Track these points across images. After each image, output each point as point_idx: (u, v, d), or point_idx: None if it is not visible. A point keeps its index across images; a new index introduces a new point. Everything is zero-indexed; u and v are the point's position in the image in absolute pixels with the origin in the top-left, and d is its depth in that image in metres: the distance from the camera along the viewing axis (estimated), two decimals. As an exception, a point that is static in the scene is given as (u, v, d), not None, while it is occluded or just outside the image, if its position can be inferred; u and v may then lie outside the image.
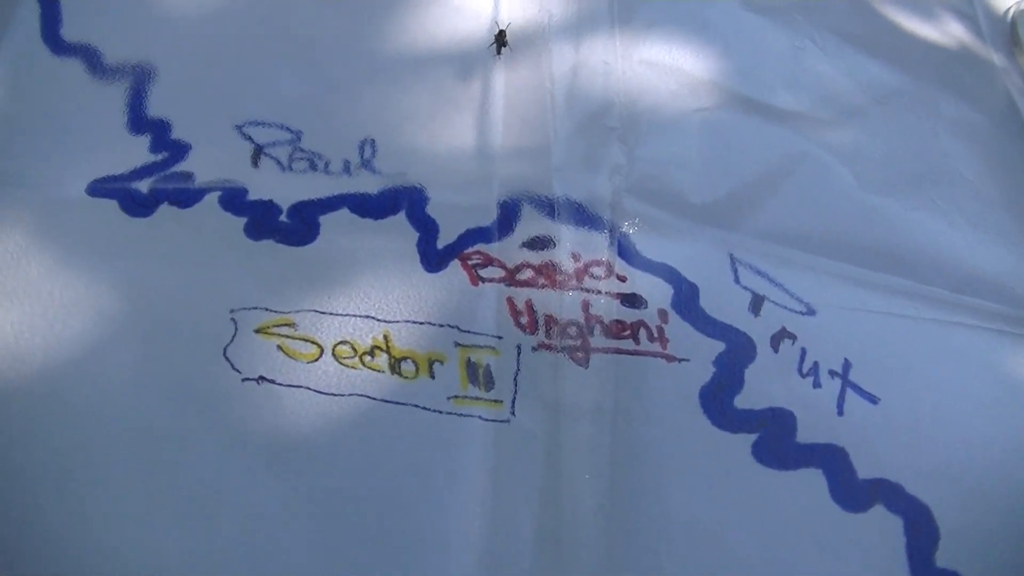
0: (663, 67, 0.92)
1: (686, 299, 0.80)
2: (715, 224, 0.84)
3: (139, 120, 0.87)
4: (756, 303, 0.81)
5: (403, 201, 0.82)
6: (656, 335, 0.79)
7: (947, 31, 1.10)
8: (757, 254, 0.84)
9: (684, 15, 0.96)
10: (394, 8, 0.93)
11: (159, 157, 0.85)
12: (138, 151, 0.85)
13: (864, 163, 0.92)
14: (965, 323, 0.85)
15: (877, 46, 1.02)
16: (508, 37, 0.89)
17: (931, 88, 1.02)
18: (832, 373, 0.80)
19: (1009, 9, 1.16)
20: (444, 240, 0.81)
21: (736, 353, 0.79)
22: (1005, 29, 1.15)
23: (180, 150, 0.85)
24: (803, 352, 0.80)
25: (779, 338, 0.80)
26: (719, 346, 0.79)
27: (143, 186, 0.83)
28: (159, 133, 0.86)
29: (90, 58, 0.89)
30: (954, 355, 0.83)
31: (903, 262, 0.88)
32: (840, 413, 0.79)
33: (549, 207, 0.82)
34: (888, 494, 0.76)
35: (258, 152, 0.86)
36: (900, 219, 0.90)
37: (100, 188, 0.82)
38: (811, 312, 0.82)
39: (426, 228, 0.81)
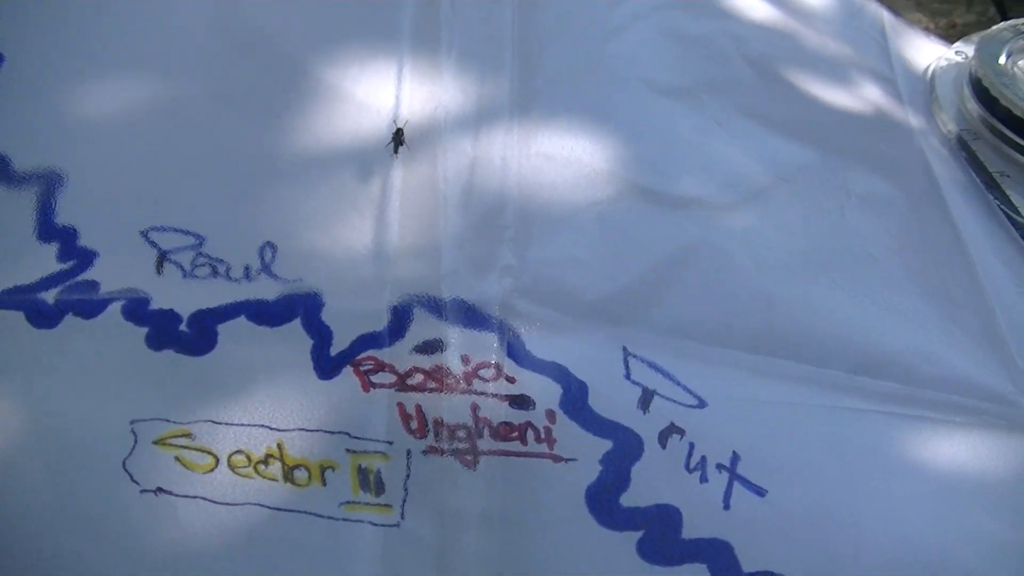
0: (561, 159, 0.95)
1: (574, 398, 0.83)
2: (609, 320, 0.87)
3: (48, 228, 0.91)
4: (646, 399, 0.85)
5: (299, 308, 0.86)
6: (543, 436, 0.82)
7: (864, 96, 1.13)
8: (651, 347, 0.87)
9: (588, 102, 0.99)
10: (298, 105, 0.97)
11: (66, 265, 0.89)
12: (46, 260, 0.89)
13: (764, 247, 0.95)
14: (856, 407, 0.87)
15: (789, 122, 1.05)
16: (406, 135, 0.93)
17: (841, 159, 1.04)
18: (720, 467, 0.83)
19: (929, 66, 1.19)
20: (338, 347, 0.84)
21: (623, 451, 0.82)
22: (925, 88, 1.17)
23: (86, 258, 0.89)
24: (691, 447, 0.83)
25: (667, 434, 0.84)
26: (606, 444, 0.83)
27: (49, 296, 0.87)
28: (66, 241, 0.90)
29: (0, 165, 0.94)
30: (842, 442, 0.86)
31: (800, 346, 0.90)
32: (726, 507, 0.82)
33: (439, 310, 0.85)
34: None
35: (162, 258, 0.90)
36: (799, 302, 0.92)
37: (7, 299, 0.86)
38: (702, 405, 0.85)
39: (320, 335, 0.84)
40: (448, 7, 1.01)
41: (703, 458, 0.83)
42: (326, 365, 0.84)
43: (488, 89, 0.97)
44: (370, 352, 0.84)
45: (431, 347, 0.84)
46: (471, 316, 0.85)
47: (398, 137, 0.92)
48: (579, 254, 0.89)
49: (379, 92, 0.97)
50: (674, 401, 0.85)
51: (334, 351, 0.84)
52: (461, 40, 1.00)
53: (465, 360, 0.84)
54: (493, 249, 0.89)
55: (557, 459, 0.81)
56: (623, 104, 1.00)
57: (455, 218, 0.90)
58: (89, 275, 0.88)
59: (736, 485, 0.83)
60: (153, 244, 0.90)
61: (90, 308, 0.86)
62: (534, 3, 1.04)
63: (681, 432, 0.83)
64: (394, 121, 0.94)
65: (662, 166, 0.96)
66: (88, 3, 1.00)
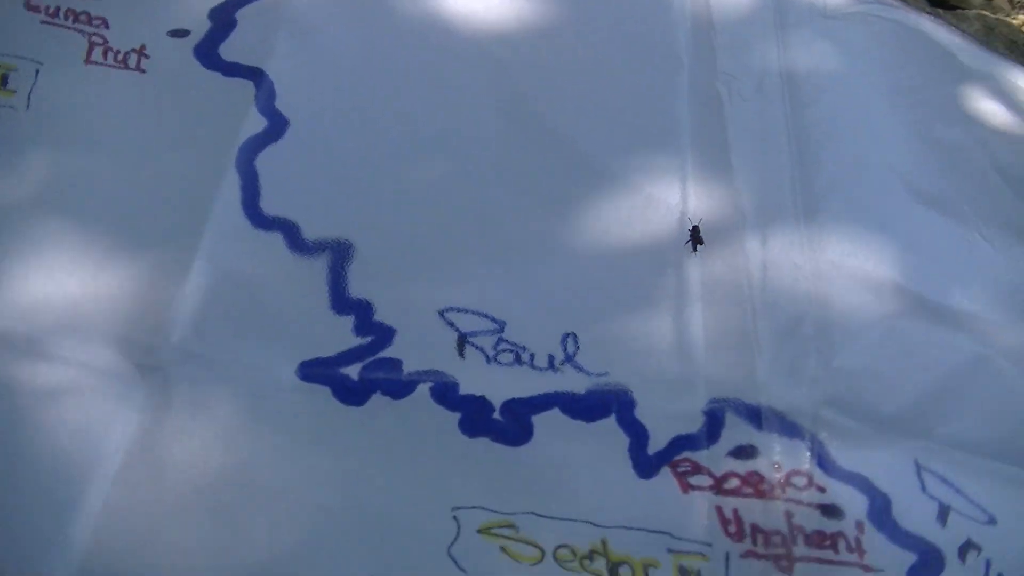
0: (848, 268, 1.06)
1: (880, 510, 0.95)
2: (903, 433, 0.99)
3: (342, 300, 1.00)
4: (943, 513, 0.96)
5: (612, 405, 0.96)
6: (854, 545, 0.93)
7: None
8: (942, 461, 0.99)
9: (863, 209, 1.11)
10: (587, 194, 1.08)
11: (364, 340, 0.98)
12: (343, 333, 0.98)
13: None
14: None
15: None
16: (702, 233, 1.04)
17: None
18: None
19: None
20: (654, 446, 0.95)
21: (927, 565, 0.94)
22: None
23: (385, 334, 0.99)
24: (987, 564, 0.95)
25: (965, 549, 0.95)
26: (911, 557, 0.94)
27: (353, 372, 0.96)
28: (362, 315, 1.00)
29: (290, 232, 1.02)
30: None
31: None
32: None
33: (755, 417, 0.96)
34: None
35: (462, 340, 0.99)
36: None
37: (311, 373, 0.95)
38: (992, 521, 0.97)
39: (636, 434, 0.95)
40: (727, 104, 1.12)
41: (1000, 575, 0.95)
42: (645, 464, 0.94)
43: (771, 190, 1.09)
44: (686, 454, 0.95)
45: (746, 453, 0.95)
46: (784, 425, 0.96)
47: (696, 235, 1.03)
48: (875, 366, 1.01)
49: (666, 187, 1.07)
50: (968, 517, 0.97)
51: (651, 450, 0.94)
52: (740, 138, 1.11)
53: (777, 467, 0.95)
54: (801, 359, 1.00)
55: (867, 569, 0.93)
56: (894, 213, 1.12)
57: (762, 322, 1.01)
58: (389, 352, 0.98)
59: None
60: (451, 325, 0.99)
61: (398, 388, 0.95)
62: (803, 102, 1.16)
63: (978, 549, 0.95)
64: (688, 219, 1.04)
65: (935, 277, 1.08)
66: (379, 79, 1.10)
